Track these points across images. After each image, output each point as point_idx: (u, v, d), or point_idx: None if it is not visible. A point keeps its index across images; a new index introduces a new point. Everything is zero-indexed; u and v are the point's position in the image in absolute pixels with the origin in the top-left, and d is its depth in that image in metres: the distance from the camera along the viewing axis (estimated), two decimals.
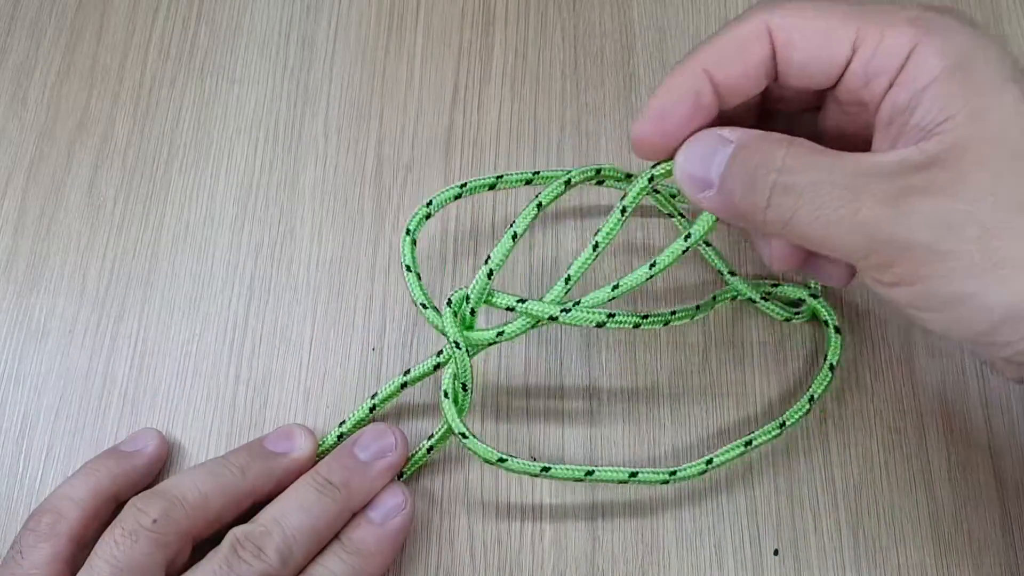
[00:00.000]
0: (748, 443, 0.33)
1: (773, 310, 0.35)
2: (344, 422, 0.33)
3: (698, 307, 0.34)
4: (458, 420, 0.32)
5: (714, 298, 0.35)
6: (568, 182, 0.32)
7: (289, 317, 0.37)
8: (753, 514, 0.33)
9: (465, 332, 0.32)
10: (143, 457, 0.33)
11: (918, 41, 0.24)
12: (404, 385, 0.33)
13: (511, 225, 0.31)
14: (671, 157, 0.28)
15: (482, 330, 0.32)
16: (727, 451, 0.33)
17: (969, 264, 0.23)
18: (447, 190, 0.33)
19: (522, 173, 0.34)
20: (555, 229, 0.38)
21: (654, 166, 0.29)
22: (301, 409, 0.35)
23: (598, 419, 0.35)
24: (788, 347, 0.36)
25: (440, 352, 0.33)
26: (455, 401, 0.32)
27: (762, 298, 0.35)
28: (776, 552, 0.33)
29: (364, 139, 0.40)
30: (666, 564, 0.33)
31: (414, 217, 0.33)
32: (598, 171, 0.33)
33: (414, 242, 0.33)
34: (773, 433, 0.33)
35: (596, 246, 0.30)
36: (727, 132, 0.26)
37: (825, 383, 0.34)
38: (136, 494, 0.30)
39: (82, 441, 0.35)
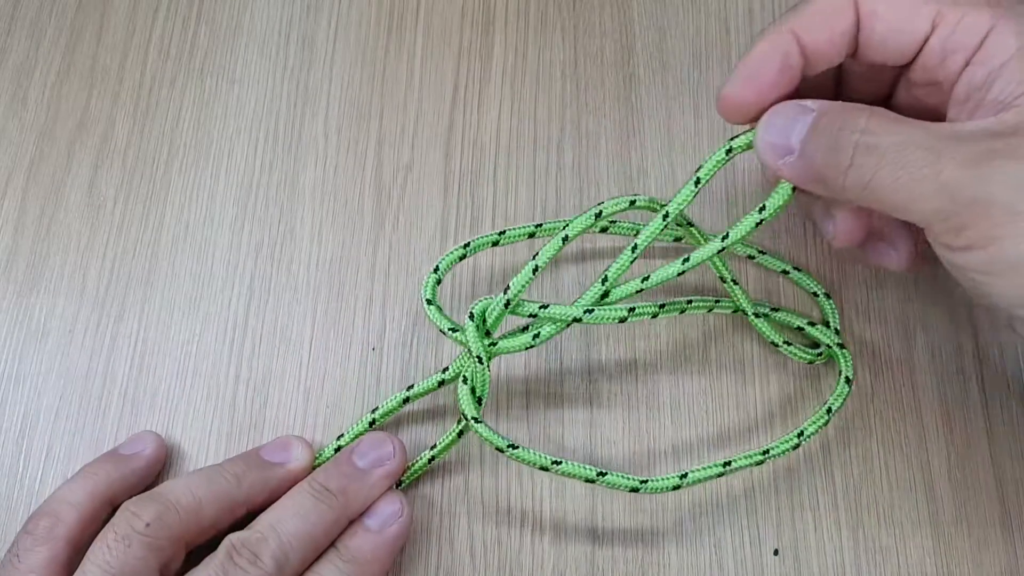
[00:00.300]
0: (765, 452, 0.32)
1: (795, 354, 0.35)
2: (342, 435, 0.33)
3: (717, 301, 0.34)
4: (472, 403, 0.31)
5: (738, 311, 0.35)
6: (599, 214, 0.31)
7: (289, 317, 0.37)
8: (753, 514, 0.33)
9: (496, 342, 0.31)
10: (141, 460, 0.33)
11: (996, 22, 0.25)
12: (407, 400, 0.33)
13: (534, 258, 0.31)
14: (752, 126, 0.28)
15: (513, 336, 0.32)
16: (740, 458, 0.32)
17: None
18: (452, 252, 0.33)
19: (524, 227, 0.34)
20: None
21: (732, 138, 0.29)
22: (301, 409, 0.35)
23: (598, 419, 0.35)
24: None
25: (446, 369, 0.32)
26: (471, 393, 0.31)
27: (785, 342, 0.35)
28: (776, 552, 0.33)
29: (364, 139, 0.40)
30: (666, 564, 0.33)
31: (427, 285, 0.32)
32: (632, 202, 0.32)
33: (439, 280, 0.33)
34: (791, 443, 0.32)
35: (635, 248, 0.31)
36: (808, 102, 0.27)
37: (842, 398, 0.33)
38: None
39: (82, 441, 0.35)
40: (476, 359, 0.31)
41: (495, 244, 0.34)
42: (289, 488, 0.31)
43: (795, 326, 0.35)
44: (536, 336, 0.31)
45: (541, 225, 0.34)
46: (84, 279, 0.37)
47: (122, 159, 0.39)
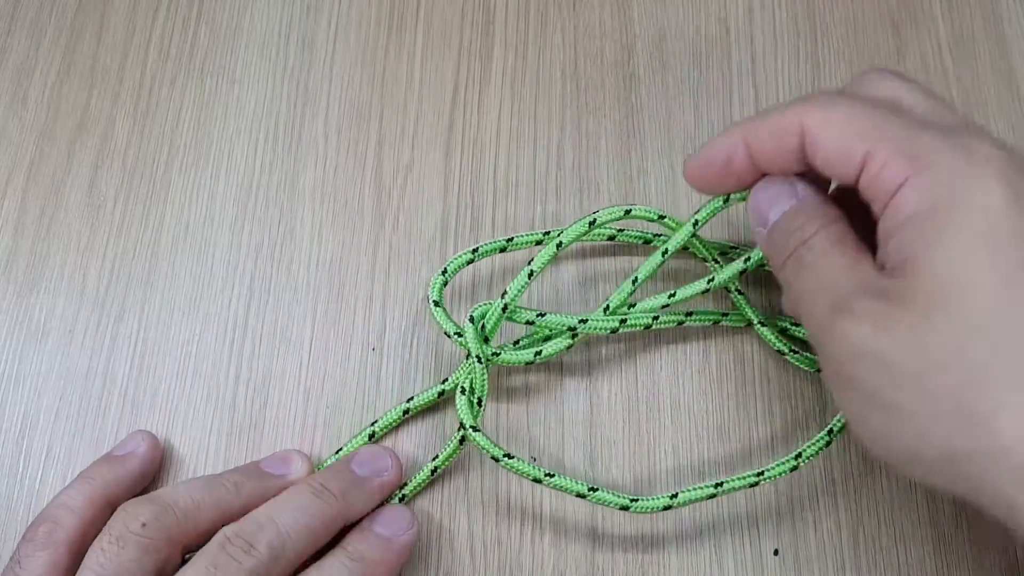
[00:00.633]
0: (760, 474, 0.32)
1: (801, 361, 0.35)
2: (340, 449, 0.33)
3: (725, 314, 0.35)
4: (470, 412, 0.32)
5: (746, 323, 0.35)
6: (593, 222, 0.33)
7: (289, 317, 0.37)
8: (753, 514, 0.33)
9: (499, 352, 0.32)
10: (136, 459, 0.33)
11: (909, 175, 0.25)
12: (407, 412, 0.33)
13: (529, 263, 0.32)
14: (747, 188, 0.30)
15: (518, 349, 0.33)
16: (733, 480, 0.32)
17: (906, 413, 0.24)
18: (461, 255, 0.33)
19: (532, 234, 0.34)
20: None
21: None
22: (301, 409, 0.35)
23: (598, 419, 0.35)
24: None
25: (445, 380, 0.33)
26: (469, 403, 0.32)
27: (791, 350, 0.35)
28: (776, 552, 0.33)
29: (364, 139, 0.40)
30: (666, 564, 0.33)
31: (434, 287, 0.33)
32: (627, 211, 0.33)
33: (445, 282, 0.33)
34: (789, 465, 0.32)
35: (635, 280, 0.33)
36: (801, 186, 0.29)
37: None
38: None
39: (82, 441, 0.35)
40: (476, 359, 0.31)
41: (503, 250, 0.34)
42: None
43: (800, 336, 0.35)
44: (538, 353, 0.33)
45: (548, 232, 0.34)
46: (84, 279, 0.37)
47: (122, 159, 0.39)
